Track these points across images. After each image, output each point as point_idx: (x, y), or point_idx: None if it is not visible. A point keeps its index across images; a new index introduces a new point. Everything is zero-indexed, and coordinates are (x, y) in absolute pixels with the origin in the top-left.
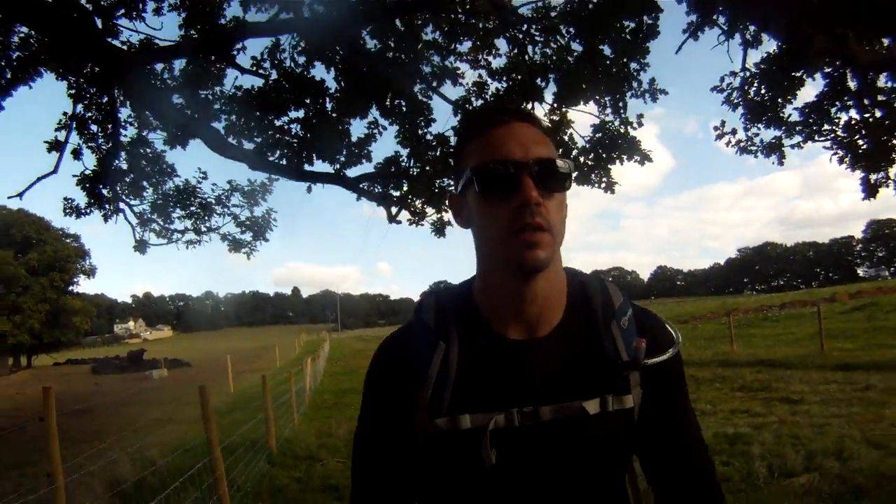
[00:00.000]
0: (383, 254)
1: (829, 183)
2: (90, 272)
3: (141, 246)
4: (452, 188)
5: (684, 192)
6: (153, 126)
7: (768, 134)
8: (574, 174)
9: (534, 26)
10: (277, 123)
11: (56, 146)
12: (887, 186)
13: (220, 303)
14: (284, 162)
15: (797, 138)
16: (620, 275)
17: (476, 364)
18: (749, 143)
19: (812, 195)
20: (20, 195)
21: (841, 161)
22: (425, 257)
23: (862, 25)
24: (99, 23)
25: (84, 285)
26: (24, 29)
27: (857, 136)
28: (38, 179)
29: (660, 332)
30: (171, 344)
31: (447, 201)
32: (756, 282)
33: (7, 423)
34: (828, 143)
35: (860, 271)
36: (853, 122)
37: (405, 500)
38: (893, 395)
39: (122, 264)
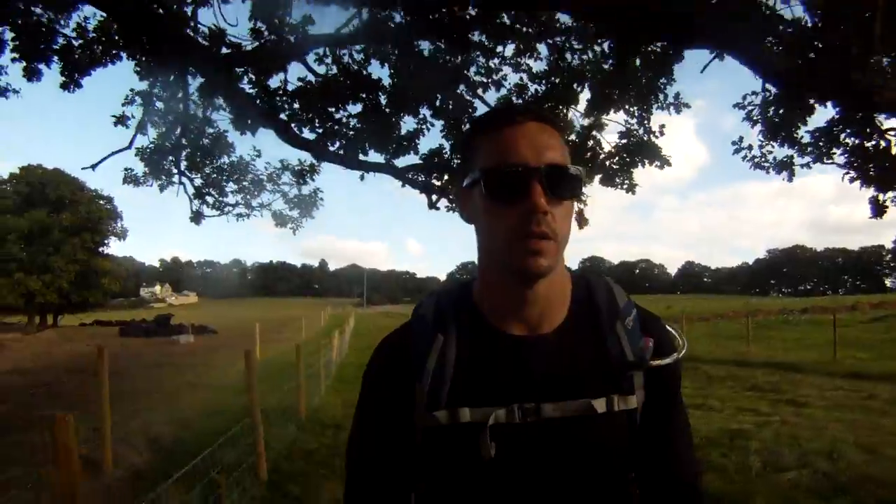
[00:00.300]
0: (413, 231)
1: (864, 190)
2: (122, 234)
3: (196, 217)
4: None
5: (718, 187)
6: (217, 106)
7: (781, 152)
8: (585, 180)
9: (572, 37)
10: (337, 116)
11: (121, 120)
12: None
13: (248, 271)
14: (343, 151)
15: (807, 158)
16: (648, 267)
17: (475, 357)
18: (762, 159)
19: (846, 200)
20: (93, 167)
21: (852, 180)
22: (455, 237)
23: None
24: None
25: (114, 247)
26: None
27: (865, 162)
28: (112, 154)
29: (664, 335)
30: (196, 310)
31: (453, 193)
32: (783, 284)
33: (36, 381)
34: (841, 161)
35: (888, 282)
36: (862, 146)
37: (400, 497)
38: (890, 404)
39: (152, 227)
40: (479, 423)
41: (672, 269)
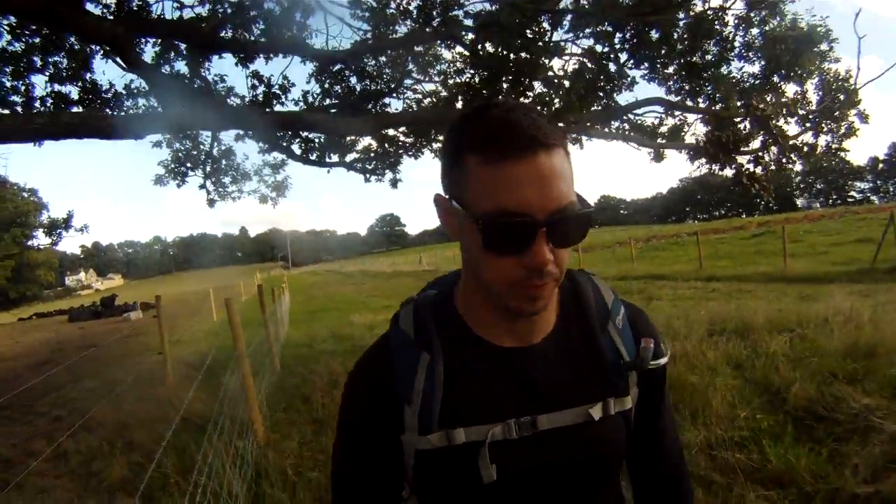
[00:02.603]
0: (330, 187)
1: None
2: (50, 227)
3: (210, 203)
4: (441, 187)
5: None
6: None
7: None
8: (593, 216)
9: None
10: (303, 135)
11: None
12: None
13: (169, 246)
14: (313, 157)
15: None
16: None
17: (465, 373)
18: None
19: None
20: None
21: None
22: (370, 191)
23: None
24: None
25: (40, 239)
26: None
27: None
28: None
29: (655, 332)
30: (124, 291)
31: (434, 198)
32: (699, 211)
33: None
34: None
35: (799, 202)
36: None
37: None
38: (725, 295)
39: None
40: (475, 443)
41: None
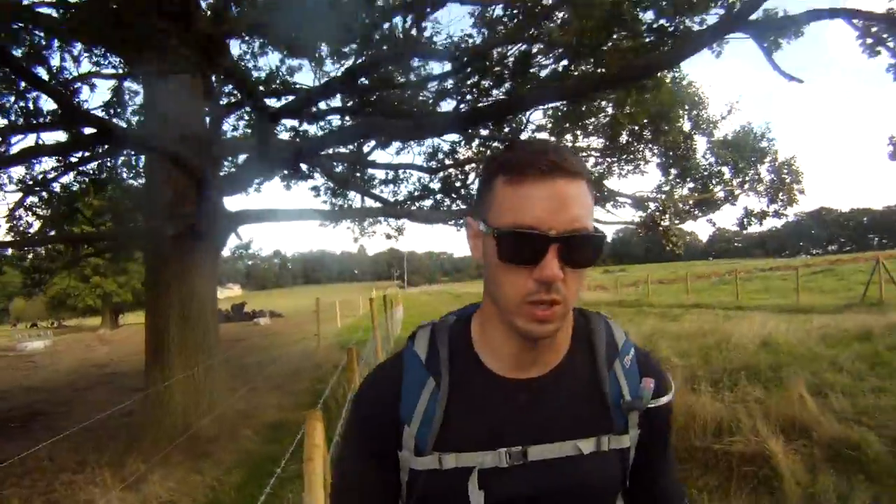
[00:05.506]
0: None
1: None
2: None
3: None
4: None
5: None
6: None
7: None
8: (606, 241)
9: None
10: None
11: None
12: None
13: (288, 261)
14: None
15: None
16: (680, 235)
17: (467, 401)
18: None
19: None
20: None
21: None
22: None
23: None
24: None
25: None
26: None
27: None
28: None
29: (661, 375)
30: (244, 300)
31: (464, 219)
32: (812, 245)
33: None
34: None
35: None
36: None
37: None
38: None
39: None
40: (465, 469)
41: (703, 237)
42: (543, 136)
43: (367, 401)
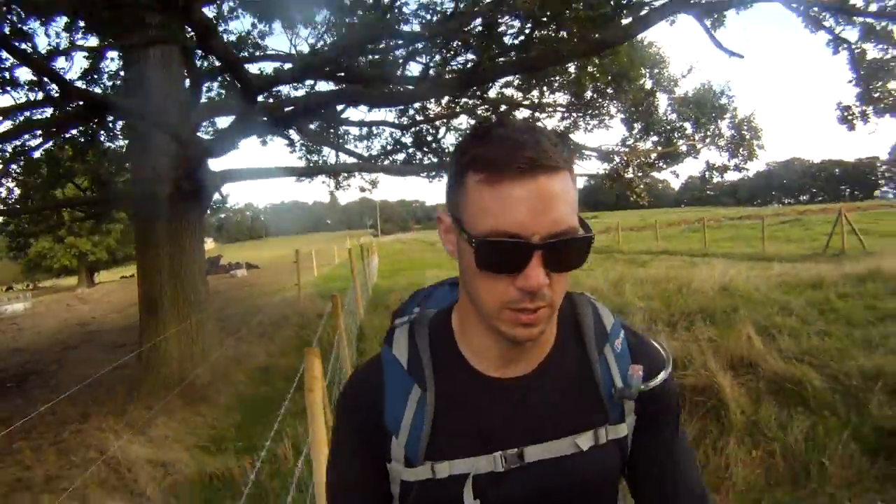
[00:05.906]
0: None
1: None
2: None
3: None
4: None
5: None
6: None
7: None
8: (593, 241)
9: None
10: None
11: None
12: None
13: (260, 213)
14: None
15: None
16: (653, 183)
17: (456, 406)
18: None
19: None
20: None
21: None
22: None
23: None
24: None
25: None
26: None
27: None
28: None
29: (653, 356)
30: (217, 253)
31: (437, 215)
32: (785, 195)
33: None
34: None
35: (878, 192)
36: None
37: None
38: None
39: None
40: (460, 476)
41: (675, 185)
42: (510, 92)
43: (349, 409)
